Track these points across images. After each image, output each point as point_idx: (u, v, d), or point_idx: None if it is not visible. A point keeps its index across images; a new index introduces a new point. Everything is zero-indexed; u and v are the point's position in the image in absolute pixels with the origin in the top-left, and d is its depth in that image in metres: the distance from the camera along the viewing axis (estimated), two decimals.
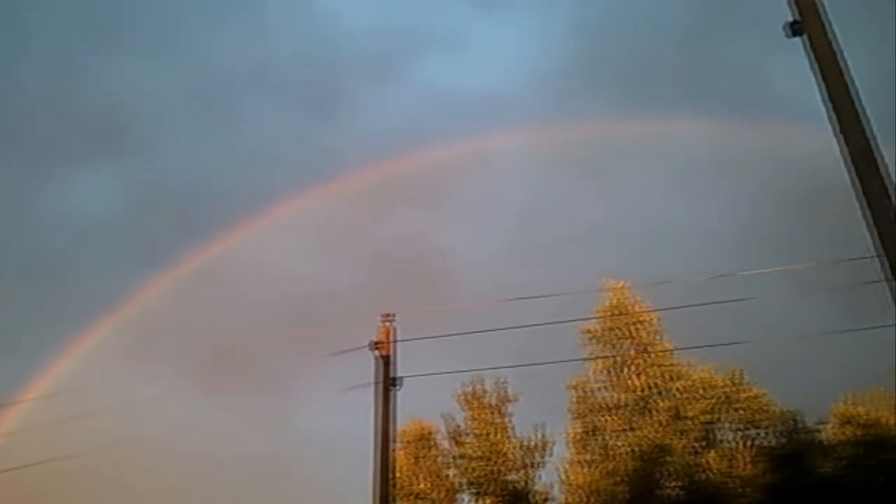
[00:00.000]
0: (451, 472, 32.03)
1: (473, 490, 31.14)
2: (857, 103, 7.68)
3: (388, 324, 15.53)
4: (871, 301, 7.44)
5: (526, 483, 31.15)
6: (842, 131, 7.71)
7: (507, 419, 32.12)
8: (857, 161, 7.54)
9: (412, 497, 31.38)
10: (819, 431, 27.99)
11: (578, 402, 29.68)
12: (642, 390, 28.64)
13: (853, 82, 7.76)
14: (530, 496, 30.56)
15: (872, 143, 7.54)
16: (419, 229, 51.29)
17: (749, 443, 27.71)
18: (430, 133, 48.77)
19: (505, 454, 31.09)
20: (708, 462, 27.26)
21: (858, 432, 27.90)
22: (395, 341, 15.36)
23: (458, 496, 31.93)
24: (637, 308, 29.42)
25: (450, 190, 53.11)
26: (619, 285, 29.90)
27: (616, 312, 29.66)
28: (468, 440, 31.89)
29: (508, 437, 31.60)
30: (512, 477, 31.06)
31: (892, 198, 7.30)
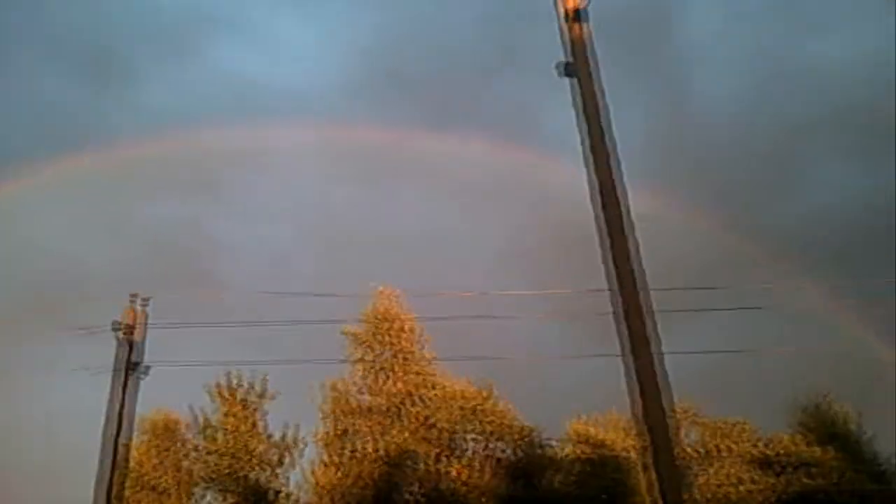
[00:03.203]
0: (194, 467, 30.81)
1: (216, 487, 30.13)
2: (608, 145, 8.25)
3: (137, 306, 14.58)
4: (611, 329, 7.97)
5: (273, 482, 30.61)
6: (595, 170, 8.24)
7: (260, 416, 31.45)
8: (602, 199, 8.09)
9: (148, 490, 29.84)
10: (554, 447, 29.84)
11: (333, 403, 29.64)
12: (397, 396, 29.10)
13: (610, 126, 8.32)
14: (275, 496, 30.05)
15: (618, 184, 8.10)
16: (191, 216, 49.36)
17: (491, 454, 28.97)
18: (217, 119, 47.17)
19: (253, 452, 30.39)
20: (452, 471, 28.14)
21: (588, 450, 30.12)
22: (144, 325, 14.44)
23: (198, 492, 30.76)
24: (402, 316, 29.95)
25: (229, 180, 51.59)
26: (388, 291, 30.32)
27: (381, 318, 30.01)
28: (216, 435, 30.86)
29: (259, 435, 30.94)
30: (258, 475, 30.41)
31: (630, 238, 7.90)
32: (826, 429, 36.79)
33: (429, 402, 29.03)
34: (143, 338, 14.84)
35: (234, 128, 43.85)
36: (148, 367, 14.94)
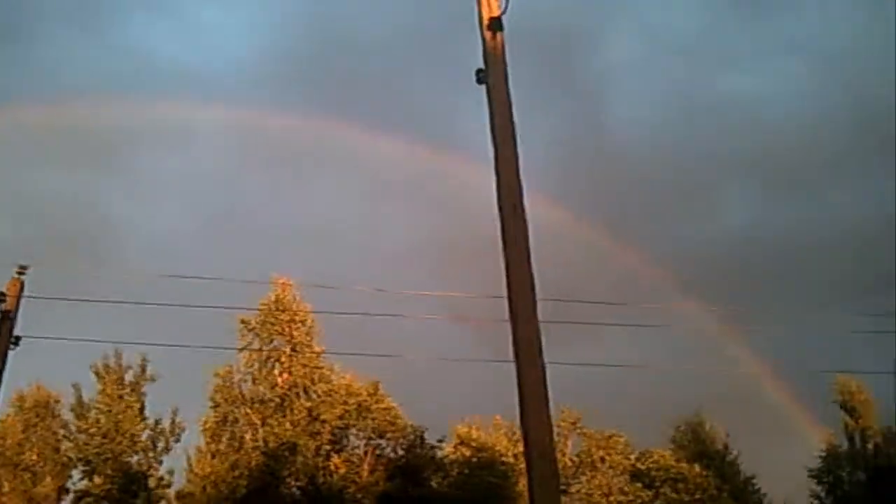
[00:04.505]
0: (62, 446, 29.67)
1: (86, 468, 29.07)
2: (513, 155, 8.41)
3: (18, 276, 13.94)
4: (506, 336, 8.11)
5: (147, 467, 29.78)
6: (498, 178, 8.39)
7: (140, 398, 30.54)
8: (502, 206, 8.25)
9: (14, 467, 28.55)
10: (438, 448, 30.12)
11: (219, 391, 29.07)
12: (285, 388, 28.77)
13: (515, 136, 8.49)
14: (148, 480, 29.22)
15: (519, 194, 8.26)
16: (85, 190, 47.56)
17: (374, 452, 28.99)
18: (120, 94, 45.62)
19: (129, 434, 29.47)
20: (334, 466, 28.00)
21: (468, 453, 30.54)
22: (20, 297, 13.75)
23: (67, 472, 29.62)
24: (296, 306, 29.61)
25: (129, 157, 49.96)
26: (283, 281, 29.91)
27: (276, 308, 29.60)
28: (92, 414, 29.80)
29: (137, 417, 30.05)
30: (132, 458, 29.53)
31: (526, 248, 8.07)
32: (696, 446, 38.52)
33: (315, 396, 28.82)
34: (16, 308, 14.14)
35: (139, 104, 42.48)
36: (18, 338, 14.23)
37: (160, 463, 29.90)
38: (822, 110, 56.62)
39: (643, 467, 34.28)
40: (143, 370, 30.40)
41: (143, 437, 29.91)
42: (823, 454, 37.51)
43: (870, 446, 37.22)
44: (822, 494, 37.25)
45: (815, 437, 38.07)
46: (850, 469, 37.24)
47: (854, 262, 47.94)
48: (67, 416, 30.17)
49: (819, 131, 53.83)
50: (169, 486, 29.53)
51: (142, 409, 30.21)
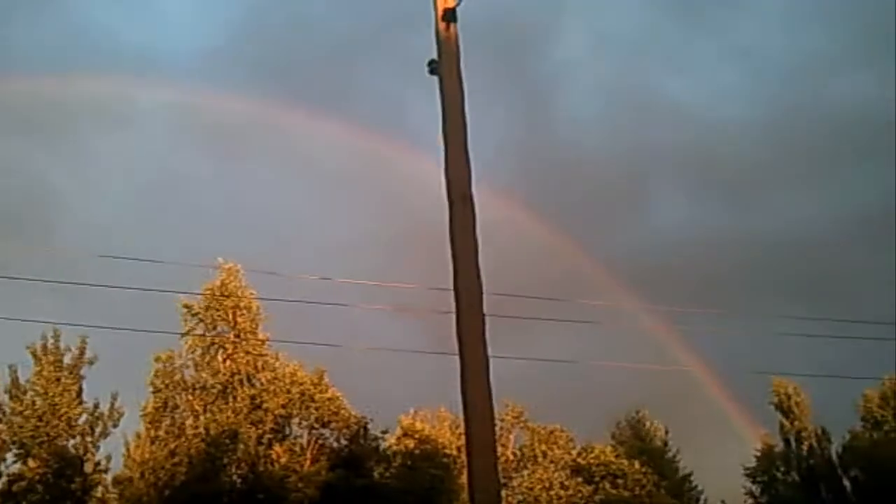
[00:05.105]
0: None
1: (20, 451, 28.33)
2: (462, 146, 8.40)
3: None
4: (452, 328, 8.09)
5: (84, 451, 29.15)
6: (446, 171, 8.38)
7: (78, 381, 29.86)
8: (450, 198, 8.23)
9: None
10: (382, 439, 30.09)
11: (160, 377, 28.59)
12: (228, 375, 28.42)
13: (466, 128, 8.47)
14: (84, 465, 28.62)
15: (467, 186, 8.26)
16: (24, 167, 46.42)
17: (317, 441, 28.82)
18: (68, 70, 44.47)
19: (66, 417, 28.80)
20: (276, 455, 27.76)
21: (411, 444, 30.57)
22: None
23: (1, 455, 28.82)
24: (241, 292, 29.24)
25: (74, 132, 48.87)
26: (229, 266, 29.49)
27: (221, 293, 29.20)
28: (27, 397, 29.03)
29: (75, 401, 29.37)
30: (69, 442, 28.88)
31: (472, 240, 8.07)
32: (637, 443, 39.21)
33: (259, 384, 28.53)
34: None
35: (87, 80, 41.43)
36: None
37: (97, 448, 29.27)
38: (759, 116, 58.21)
39: (584, 462, 34.72)
40: (82, 353, 29.66)
41: (81, 420, 29.22)
42: (759, 454, 38.47)
43: (804, 447, 38.24)
44: (757, 493, 38.25)
45: (751, 437, 39.03)
46: (784, 469, 38.26)
47: (792, 267, 49.21)
48: (2, 397, 29.33)
49: (761, 136, 55.24)
50: (106, 471, 28.98)
51: (80, 393, 29.49)
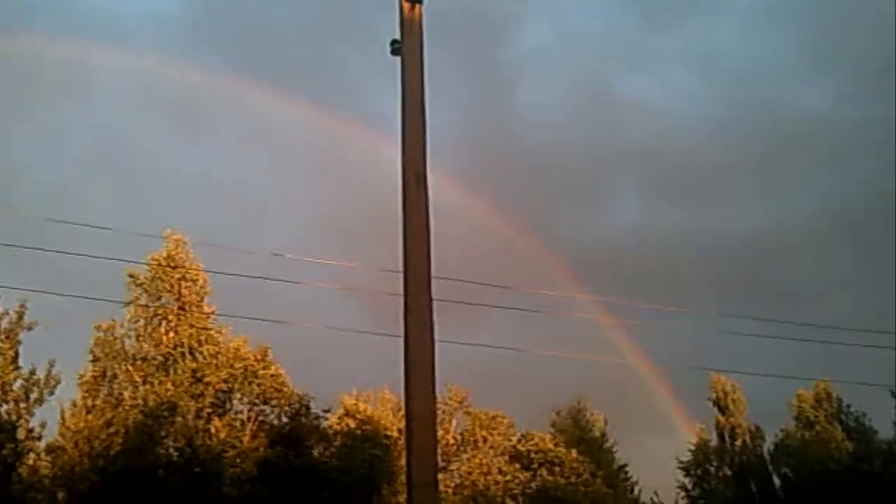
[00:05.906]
0: None
1: None
2: (420, 130, 8.36)
3: None
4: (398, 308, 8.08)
5: (18, 417, 28.49)
6: (403, 152, 8.34)
7: (15, 346, 29.13)
8: (404, 181, 8.20)
9: None
10: (323, 418, 29.98)
11: (100, 345, 28.08)
12: (170, 347, 28.02)
13: (424, 111, 8.43)
14: (17, 431, 28.00)
15: (422, 164, 8.22)
16: None
17: (258, 418, 28.60)
18: (23, 30, 43.18)
19: (1, 382, 28.11)
20: (215, 429, 27.48)
21: (353, 424, 30.53)
22: None
23: None
24: (187, 264, 28.81)
25: (29, 95, 47.62)
26: (177, 237, 29.01)
27: (167, 263, 28.73)
28: None
29: (10, 366, 28.66)
30: (1, 408, 28.20)
31: (424, 223, 8.05)
32: (576, 432, 39.78)
33: (201, 358, 28.17)
34: None
35: (42, 42, 40.29)
36: None
37: (32, 415, 28.62)
38: (716, 116, 59.27)
39: (523, 449, 35.12)
40: (21, 317, 28.91)
41: (16, 386, 28.49)
42: (694, 448, 39.31)
43: (738, 443, 39.20)
44: (690, 486, 39.12)
45: (687, 431, 39.87)
46: (717, 464, 39.20)
47: (740, 267, 50.27)
48: None
49: (718, 136, 56.20)
50: (39, 438, 28.33)
51: (15, 358, 28.77)
